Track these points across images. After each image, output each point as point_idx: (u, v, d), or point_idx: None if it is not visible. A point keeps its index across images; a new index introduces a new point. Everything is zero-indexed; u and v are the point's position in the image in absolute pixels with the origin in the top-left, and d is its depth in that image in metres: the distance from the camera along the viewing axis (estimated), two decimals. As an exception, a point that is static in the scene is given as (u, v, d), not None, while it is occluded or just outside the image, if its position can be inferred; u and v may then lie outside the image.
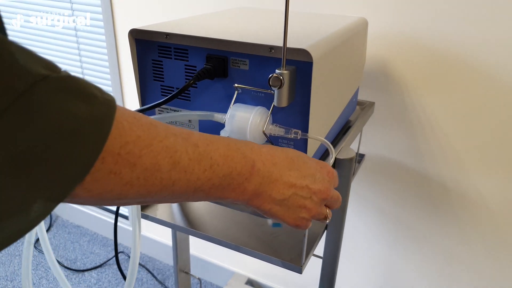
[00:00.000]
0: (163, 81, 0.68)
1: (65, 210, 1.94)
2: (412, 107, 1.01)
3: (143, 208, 0.83)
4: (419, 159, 1.05)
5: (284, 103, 0.57)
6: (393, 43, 0.97)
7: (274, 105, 0.58)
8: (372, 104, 0.98)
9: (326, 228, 0.79)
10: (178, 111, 0.69)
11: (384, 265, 1.23)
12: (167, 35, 0.63)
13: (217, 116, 0.61)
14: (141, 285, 1.59)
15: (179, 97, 0.67)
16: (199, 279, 1.01)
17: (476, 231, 1.05)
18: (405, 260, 1.19)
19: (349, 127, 0.84)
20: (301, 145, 0.61)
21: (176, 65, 0.65)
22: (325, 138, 0.70)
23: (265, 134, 0.59)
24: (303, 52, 0.55)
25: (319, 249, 0.79)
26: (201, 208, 0.85)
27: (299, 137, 0.57)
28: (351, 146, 0.85)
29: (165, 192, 0.33)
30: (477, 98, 0.94)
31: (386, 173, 1.11)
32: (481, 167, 0.99)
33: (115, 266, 1.68)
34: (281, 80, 0.54)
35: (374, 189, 1.14)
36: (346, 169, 0.71)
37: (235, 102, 0.62)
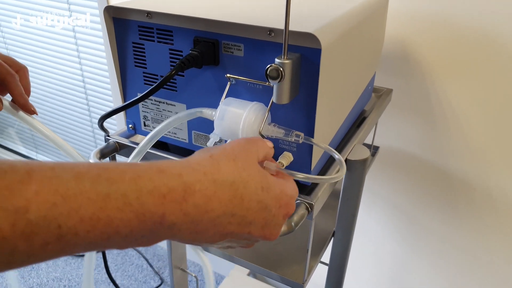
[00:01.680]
0: (145, 68, 0.58)
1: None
2: (435, 95, 0.90)
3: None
4: (439, 153, 0.95)
5: (285, 99, 0.47)
6: (414, 21, 0.85)
7: (272, 101, 0.48)
8: (389, 91, 0.87)
9: (333, 234, 0.70)
10: (163, 103, 0.59)
11: (395, 266, 1.15)
12: (149, 13, 0.53)
13: (206, 112, 0.52)
14: (140, 272, 1.54)
15: (165, 87, 0.58)
16: (195, 277, 0.93)
17: (500, 234, 0.96)
18: (419, 263, 1.11)
19: (363, 119, 0.74)
20: (305, 148, 0.52)
21: (160, 49, 0.55)
22: (336, 134, 0.60)
23: (262, 135, 0.49)
24: (310, 36, 0.44)
25: (326, 254, 0.71)
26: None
27: (301, 141, 0.48)
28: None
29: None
30: (510, 87, 0.82)
31: (402, 167, 1.01)
32: (509, 165, 0.88)
33: (115, 251, 1.63)
34: (280, 71, 0.44)
35: (388, 184, 1.04)
36: (358, 172, 0.62)
37: (227, 96, 0.52)
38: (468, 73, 0.85)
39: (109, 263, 1.58)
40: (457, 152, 0.93)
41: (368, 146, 0.87)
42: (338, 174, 0.47)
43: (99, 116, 1.62)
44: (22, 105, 0.52)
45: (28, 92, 0.54)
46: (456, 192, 0.97)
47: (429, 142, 0.95)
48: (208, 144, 0.51)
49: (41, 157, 1.93)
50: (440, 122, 0.92)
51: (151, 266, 1.56)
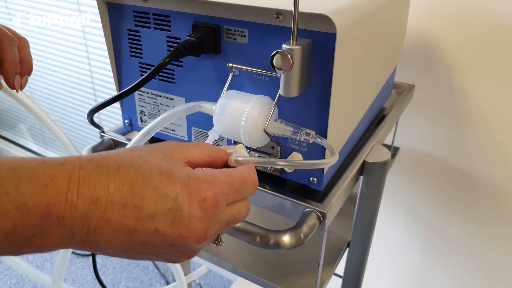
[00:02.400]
0: (141, 58, 0.52)
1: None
2: (461, 93, 0.83)
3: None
4: (465, 156, 0.87)
5: (293, 92, 0.40)
6: (441, 11, 0.77)
7: (280, 94, 0.42)
8: (411, 87, 0.80)
9: (348, 245, 0.64)
10: (161, 96, 0.54)
11: (415, 279, 1.07)
12: (144, -4, 0.48)
13: (206, 107, 0.46)
14: (146, 274, 1.50)
15: (162, 79, 0.52)
16: (199, 284, 0.88)
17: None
18: (441, 275, 1.03)
19: (383, 117, 0.68)
20: (318, 148, 0.45)
21: (157, 37, 0.50)
22: (353, 133, 0.54)
23: (267, 133, 0.43)
24: (323, 19, 0.38)
25: (340, 264, 0.64)
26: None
27: (311, 141, 0.41)
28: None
29: None
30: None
31: (424, 170, 0.93)
32: (545, 169, 0.80)
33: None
34: (289, 59, 0.38)
35: (408, 188, 0.97)
36: (377, 175, 0.55)
37: (230, 88, 0.46)
38: (498, 68, 0.77)
39: (114, 264, 1.54)
40: (484, 154, 0.85)
41: (388, 147, 0.80)
42: (327, 160, 0.39)
43: (106, 112, 1.60)
44: (6, 72, 0.45)
45: (27, 66, 0.48)
46: (483, 198, 0.89)
47: (453, 143, 0.87)
48: (206, 142, 0.45)
49: (50, 154, 1.91)
50: (466, 122, 0.84)
51: (157, 268, 1.52)
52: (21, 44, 0.49)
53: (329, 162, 0.39)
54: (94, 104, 1.54)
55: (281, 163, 0.36)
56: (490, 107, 0.81)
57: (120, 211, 0.26)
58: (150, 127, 0.46)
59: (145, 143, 0.49)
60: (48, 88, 1.67)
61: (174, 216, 0.26)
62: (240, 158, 0.33)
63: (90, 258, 1.56)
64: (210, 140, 0.45)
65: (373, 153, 0.56)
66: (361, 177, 0.56)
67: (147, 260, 0.30)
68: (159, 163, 0.28)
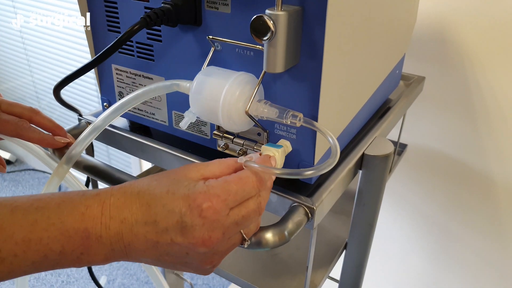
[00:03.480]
0: (119, 33, 0.48)
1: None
2: (476, 86, 0.76)
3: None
4: (480, 156, 0.81)
5: (278, 67, 0.35)
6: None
7: (265, 71, 0.36)
8: (421, 79, 0.74)
9: (345, 247, 0.58)
10: (139, 75, 0.49)
11: (422, 282, 1.01)
12: (120, -38, 0.43)
13: (183, 85, 0.41)
14: (143, 271, 1.46)
15: (140, 56, 0.47)
16: (191, 284, 0.83)
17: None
18: (450, 283, 0.96)
19: (388, 109, 0.62)
20: (308, 135, 0.40)
21: (134, 8, 0.45)
22: (351, 123, 0.48)
23: (249, 115, 0.38)
24: (313, -20, 0.33)
25: (336, 268, 0.59)
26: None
27: (298, 124, 0.36)
28: (389, 133, 0.63)
29: None
30: None
31: (433, 169, 0.87)
32: None
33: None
34: (270, 25, 0.32)
35: (416, 188, 0.91)
36: (378, 170, 0.49)
37: (210, 64, 0.41)
38: (518, 60, 0.71)
39: (111, 260, 1.51)
40: (501, 154, 0.79)
41: (394, 143, 0.74)
42: (327, 164, 0.34)
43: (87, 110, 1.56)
44: (49, 145, 0.48)
45: (52, 128, 0.48)
46: (498, 201, 0.82)
47: (467, 141, 0.81)
48: (181, 124, 0.40)
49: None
50: (482, 118, 0.78)
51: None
52: (34, 116, 0.47)
53: (332, 162, 0.34)
54: (97, 105, 1.51)
55: (277, 172, 0.34)
56: (507, 102, 0.74)
57: (143, 227, 0.31)
58: (119, 105, 0.41)
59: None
60: (54, 79, 1.64)
61: (182, 227, 0.31)
62: (250, 163, 0.34)
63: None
64: (185, 123, 0.40)
65: (374, 145, 0.50)
66: (360, 171, 0.50)
67: (183, 271, 0.35)
68: (168, 183, 0.33)
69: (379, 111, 0.61)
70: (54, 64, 1.60)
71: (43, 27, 1.54)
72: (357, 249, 0.57)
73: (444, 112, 0.82)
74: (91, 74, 1.46)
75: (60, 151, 0.49)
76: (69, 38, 1.48)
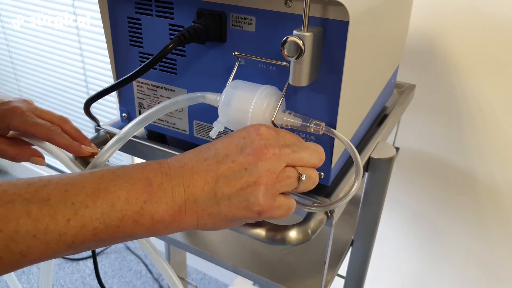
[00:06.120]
0: (141, 47, 0.51)
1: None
2: (462, 93, 0.82)
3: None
4: (465, 156, 0.87)
5: (304, 81, 0.39)
6: (444, 12, 0.77)
7: (289, 83, 0.40)
8: (412, 87, 0.79)
9: (352, 243, 0.62)
10: (161, 87, 0.52)
11: (415, 282, 1.06)
12: (146, -18, 0.46)
13: (210, 97, 0.44)
14: (139, 279, 1.46)
15: (162, 69, 0.50)
16: (196, 286, 0.86)
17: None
18: (442, 278, 1.02)
19: (385, 116, 0.66)
20: (326, 141, 0.44)
21: (158, 25, 0.48)
22: (357, 130, 0.52)
23: (274, 124, 0.41)
24: (336, 5, 0.37)
25: (342, 268, 0.63)
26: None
27: (321, 132, 0.40)
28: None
29: (27, 262, 0.30)
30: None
31: (424, 171, 0.92)
32: (545, 170, 0.80)
33: (113, 256, 1.56)
34: (300, 45, 0.36)
35: (408, 189, 0.96)
36: (382, 172, 0.54)
37: (235, 78, 0.45)
38: (498, 69, 0.77)
39: (106, 268, 1.50)
40: (484, 155, 0.85)
41: (388, 147, 0.79)
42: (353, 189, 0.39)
43: (101, 117, 1.57)
44: (75, 152, 0.49)
45: (78, 138, 0.49)
46: (483, 199, 0.88)
47: (453, 144, 0.87)
48: (210, 134, 0.44)
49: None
50: (467, 123, 0.84)
51: (150, 272, 1.48)
52: (63, 124, 0.49)
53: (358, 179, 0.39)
54: (101, 112, 1.52)
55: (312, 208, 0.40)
56: (490, 107, 0.80)
57: (203, 163, 0.34)
58: (146, 115, 0.44)
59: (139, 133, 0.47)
60: (40, 87, 1.63)
61: (241, 147, 0.34)
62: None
63: (80, 262, 1.52)
64: (214, 132, 0.44)
65: (379, 149, 0.55)
66: (366, 174, 0.54)
67: (243, 221, 0.36)
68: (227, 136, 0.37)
69: (377, 118, 0.66)
70: (40, 72, 1.59)
71: (29, 34, 1.53)
72: (362, 246, 0.61)
73: (433, 116, 0.87)
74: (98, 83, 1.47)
75: (82, 159, 0.51)
76: (56, 46, 1.48)
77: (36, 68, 1.59)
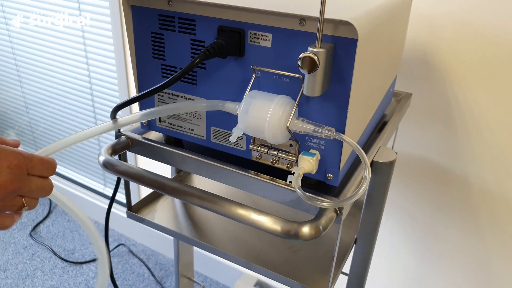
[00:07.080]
0: (164, 60, 0.55)
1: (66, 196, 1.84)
2: (455, 101, 0.87)
3: (137, 210, 0.72)
4: (459, 160, 0.91)
5: (317, 92, 0.44)
6: (438, 25, 0.82)
7: (302, 93, 0.45)
8: (409, 95, 0.84)
9: (355, 242, 0.67)
10: (181, 97, 0.56)
11: (410, 283, 1.10)
12: (170, 1, 0.51)
13: (229, 106, 0.49)
14: (141, 282, 1.49)
15: (183, 80, 0.55)
16: (203, 286, 0.89)
17: (522, 246, 0.92)
18: (437, 280, 1.06)
19: (384, 123, 0.71)
20: (335, 146, 0.48)
21: (181, 40, 0.52)
22: (361, 135, 0.57)
23: (289, 130, 0.46)
24: (346, 25, 0.41)
25: (346, 265, 0.67)
26: (208, 212, 0.73)
27: (332, 137, 0.44)
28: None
29: None
30: (536, 93, 0.79)
31: (419, 174, 0.97)
32: (534, 174, 0.85)
33: (116, 259, 1.59)
34: (316, 60, 0.41)
35: (404, 192, 1.01)
36: (384, 175, 0.58)
37: (252, 89, 0.49)
38: (489, 77, 0.82)
39: (109, 271, 1.53)
40: (477, 159, 0.90)
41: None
42: (362, 189, 0.44)
43: (104, 118, 1.60)
44: None
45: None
46: (476, 202, 0.93)
47: (448, 148, 0.92)
48: (230, 139, 0.48)
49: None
50: (460, 128, 0.89)
51: (153, 275, 1.51)
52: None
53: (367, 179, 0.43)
54: (91, 107, 1.55)
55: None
56: (481, 113, 0.85)
57: None
58: (163, 108, 0.49)
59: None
60: (44, 88, 1.67)
61: None
62: None
63: (84, 266, 1.55)
64: (234, 137, 0.48)
65: (381, 153, 0.59)
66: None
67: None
68: None
69: (377, 125, 0.70)
70: (44, 79, 1.62)
71: (35, 38, 1.56)
72: (365, 244, 0.65)
73: (427, 123, 0.92)
74: (115, 92, 1.48)
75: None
76: (60, 47, 1.51)
77: (40, 70, 1.62)
